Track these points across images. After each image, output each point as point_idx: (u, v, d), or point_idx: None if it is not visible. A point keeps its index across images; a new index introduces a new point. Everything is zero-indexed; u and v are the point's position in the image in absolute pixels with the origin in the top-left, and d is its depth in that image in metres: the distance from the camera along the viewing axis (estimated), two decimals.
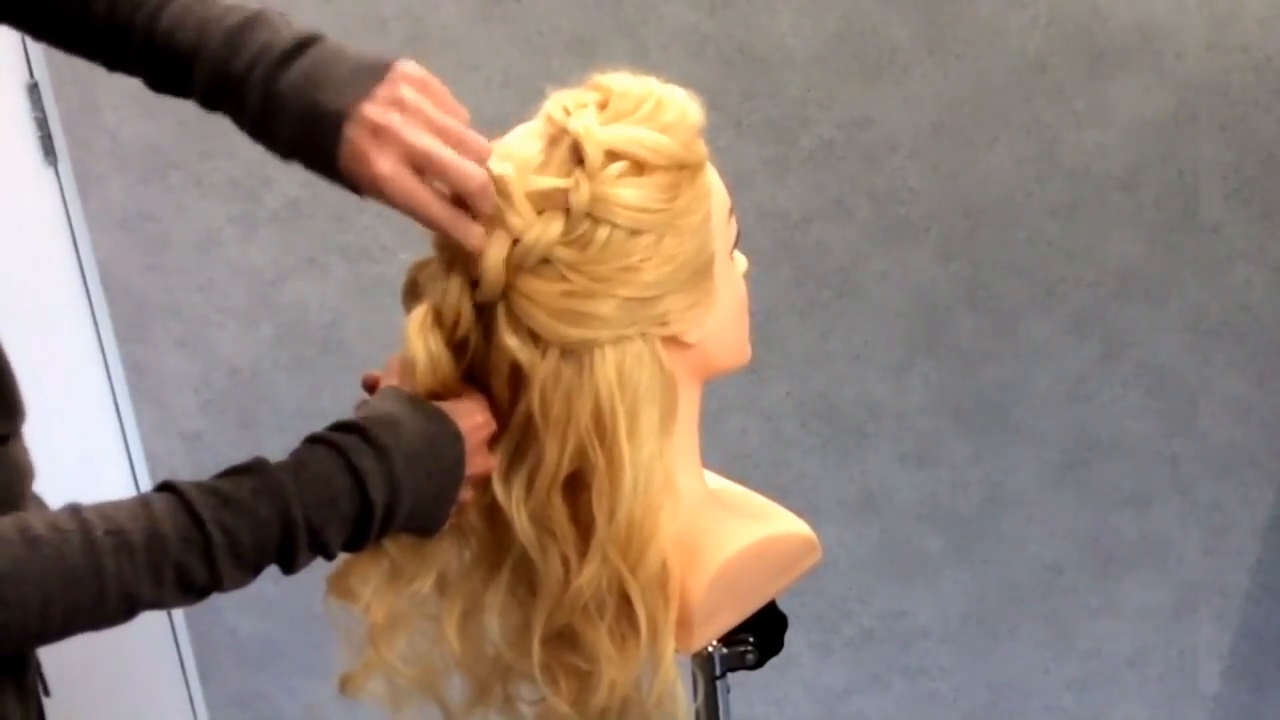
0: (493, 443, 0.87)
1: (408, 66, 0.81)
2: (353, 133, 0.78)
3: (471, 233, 0.81)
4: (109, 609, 0.69)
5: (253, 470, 0.75)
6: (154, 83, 0.88)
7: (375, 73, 0.79)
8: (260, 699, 2.11)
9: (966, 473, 1.87)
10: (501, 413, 0.87)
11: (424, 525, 0.84)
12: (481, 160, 0.81)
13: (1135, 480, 1.86)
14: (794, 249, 1.76)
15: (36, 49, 1.74)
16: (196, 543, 0.71)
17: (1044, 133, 1.68)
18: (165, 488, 0.73)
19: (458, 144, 0.80)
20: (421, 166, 0.79)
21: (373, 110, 0.78)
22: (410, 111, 0.78)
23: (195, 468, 1.96)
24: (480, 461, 0.86)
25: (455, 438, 0.83)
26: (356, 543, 0.80)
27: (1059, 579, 1.93)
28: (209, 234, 1.83)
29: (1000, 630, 1.97)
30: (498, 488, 0.87)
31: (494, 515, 0.89)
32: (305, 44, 0.81)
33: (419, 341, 0.85)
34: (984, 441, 1.85)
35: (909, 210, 1.74)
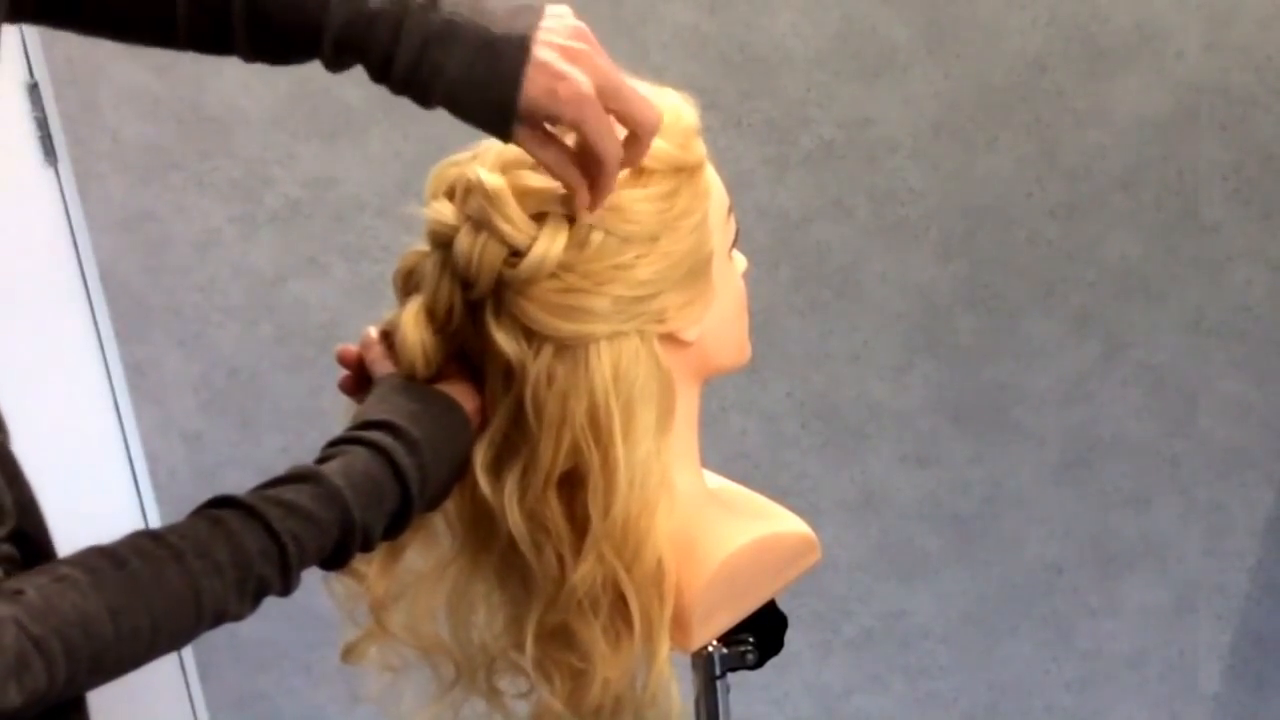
0: (481, 426, 0.88)
1: (563, 8, 0.81)
2: (544, 54, 0.77)
3: (615, 178, 0.81)
4: (203, 628, 0.70)
5: (309, 478, 0.76)
6: (258, 51, 0.82)
7: (534, 8, 0.79)
8: (260, 699, 2.11)
9: (966, 473, 1.87)
10: (493, 399, 0.88)
11: (431, 506, 0.85)
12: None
13: (1135, 480, 1.86)
14: (794, 249, 1.76)
15: (36, 49, 1.74)
16: (273, 555, 0.72)
17: (1044, 133, 1.68)
18: (226, 503, 0.73)
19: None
20: (607, 94, 0.78)
21: (557, 37, 0.77)
22: (589, 42, 0.79)
23: (195, 468, 1.96)
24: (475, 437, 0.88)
25: (465, 423, 0.85)
26: (391, 535, 0.82)
27: (1059, 579, 1.93)
28: (209, 234, 1.83)
29: (1000, 630, 1.97)
30: (485, 482, 0.87)
31: (477, 506, 0.90)
32: None
33: (414, 336, 0.86)
34: (984, 441, 1.85)
35: (909, 210, 1.74)
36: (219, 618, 0.71)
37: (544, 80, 0.76)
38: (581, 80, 0.76)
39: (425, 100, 0.79)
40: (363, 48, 0.78)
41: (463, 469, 0.86)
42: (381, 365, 0.88)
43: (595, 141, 0.78)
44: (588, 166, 0.80)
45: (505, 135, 0.79)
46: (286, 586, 0.74)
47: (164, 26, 0.82)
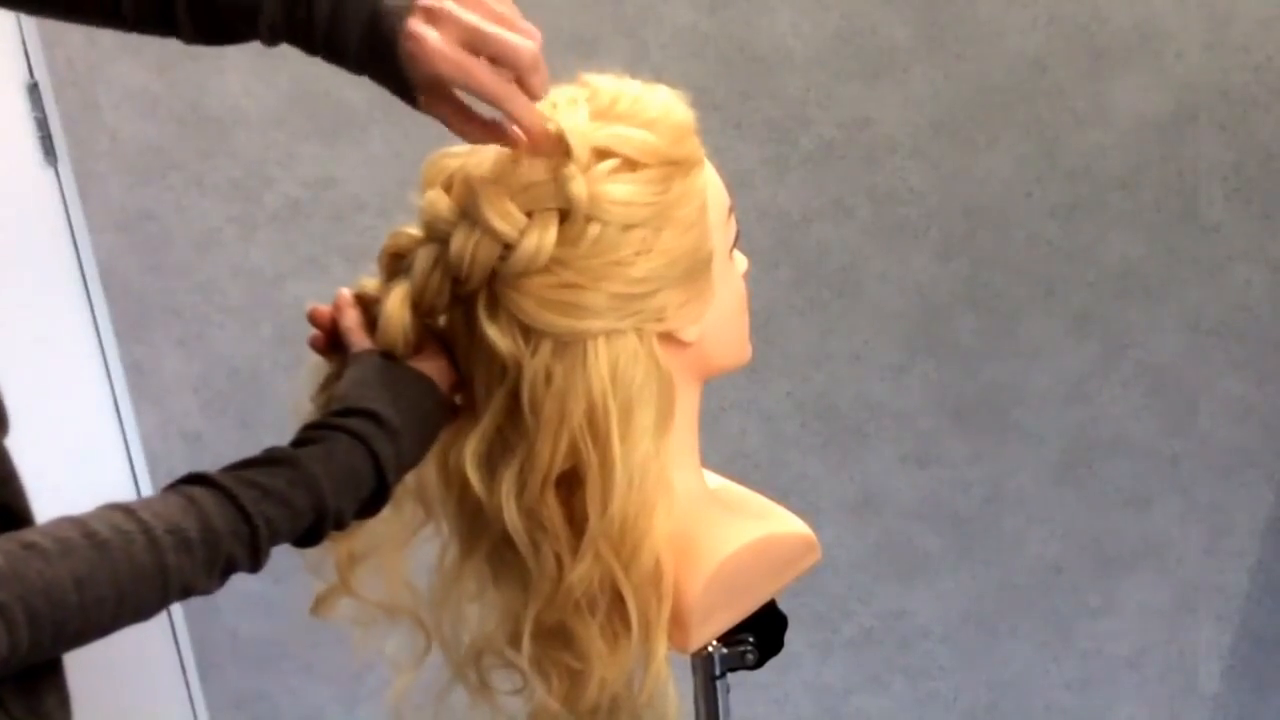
0: (450, 392, 0.89)
1: None
2: (411, 22, 0.79)
3: (526, 109, 0.81)
4: (169, 602, 0.72)
5: (285, 462, 0.77)
6: (200, 32, 0.87)
7: None
8: (260, 699, 2.11)
9: (966, 473, 1.87)
10: (485, 394, 0.88)
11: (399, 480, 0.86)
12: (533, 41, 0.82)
13: (1135, 480, 1.86)
14: (794, 249, 1.76)
15: (36, 49, 1.74)
16: (244, 535, 0.74)
17: (1044, 133, 1.68)
18: (200, 480, 0.75)
19: (510, 28, 0.81)
20: (474, 45, 0.79)
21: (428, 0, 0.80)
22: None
23: (195, 468, 1.96)
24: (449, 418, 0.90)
25: (442, 404, 0.87)
26: (362, 516, 0.83)
27: (1059, 579, 1.93)
28: (209, 234, 1.83)
29: (1000, 630, 1.97)
30: (477, 479, 0.87)
31: (467, 502, 0.90)
32: None
33: (398, 320, 0.86)
34: (984, 441, 1.85)
35: (909, 210, 1.73)
36: (185, 592, 0.72)
37: (409, 49, 0.79)
38: (433, 40, 0.78)
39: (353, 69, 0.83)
40: (292, 38, 0.83)
41: (432, 444, 0.87)
42: (357, 335, 0.88)
43: (483, 90, 0.80)
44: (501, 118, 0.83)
45: (415, 105, 0.82)
46: (255, 565, 0.75)
47: (110, 6, 0.87)
